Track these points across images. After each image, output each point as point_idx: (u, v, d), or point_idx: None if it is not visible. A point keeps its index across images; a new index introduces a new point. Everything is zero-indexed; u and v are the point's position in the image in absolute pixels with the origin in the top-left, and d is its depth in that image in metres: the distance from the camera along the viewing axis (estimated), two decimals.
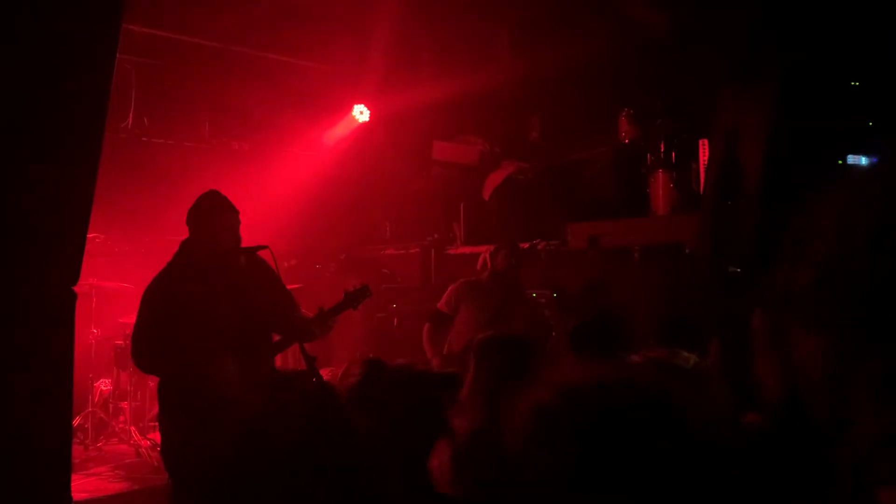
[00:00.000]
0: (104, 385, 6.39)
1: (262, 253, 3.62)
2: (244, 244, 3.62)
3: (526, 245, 5.10)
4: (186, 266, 3.60)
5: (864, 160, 5.01)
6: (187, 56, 7.17)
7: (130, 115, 6.97)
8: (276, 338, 3.81)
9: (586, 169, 6.81)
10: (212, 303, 3.55)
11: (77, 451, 5.58)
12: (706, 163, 5.65)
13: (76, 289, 3.08)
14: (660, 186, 5.94)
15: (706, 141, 5.71)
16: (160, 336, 3.49)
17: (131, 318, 4.35)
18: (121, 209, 6.10)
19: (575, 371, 1.26)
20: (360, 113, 8.10)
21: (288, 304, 3.72)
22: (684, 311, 3.88)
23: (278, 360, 6.24)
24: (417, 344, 5.05)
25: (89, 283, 5.88)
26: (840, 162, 5.06)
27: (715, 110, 5.43)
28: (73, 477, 3.66)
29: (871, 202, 0.86)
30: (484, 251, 5.13)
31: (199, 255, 3.59)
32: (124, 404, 6.22)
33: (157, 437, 5.48)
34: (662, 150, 6.08)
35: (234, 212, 3.60)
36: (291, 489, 1.16)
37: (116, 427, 6.22)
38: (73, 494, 3.33)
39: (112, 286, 6.18)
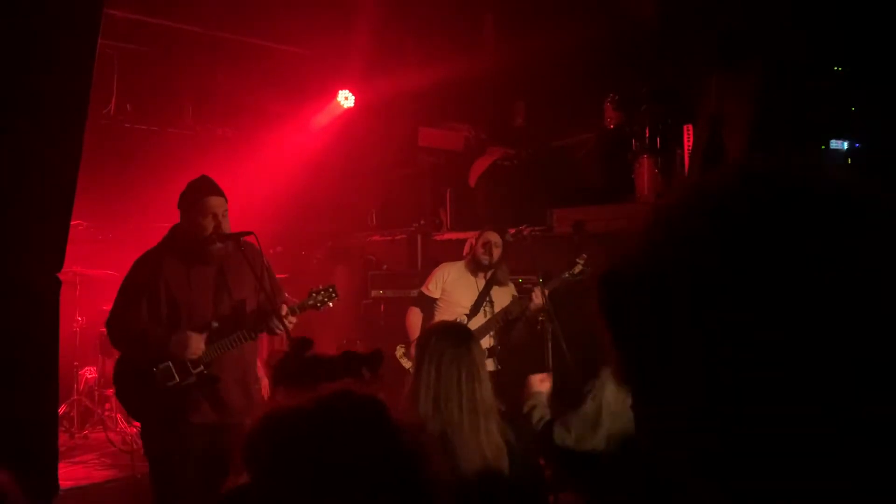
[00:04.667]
0: (89, 373, 6.38)
1: (247, 239, 3.61)
2: (230, 230, 3.62)
3: (512, 231, 5.11)
4: (169, 249, 3.62)
5: (845, 146, 5.06)
6: (170, 42, 7.10)
7: (113, 101, 6.90)
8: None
9: (572, 154, 6.82)
10: (188, 287, 3.55)
11: (63, 439, 5.57)
12: (691, 148, 5.67)
13: (60, 276, 3.06)
14: (645, 172, 5.96)
15: (691, 126, 5.73)
16: (136, 312, 3.50)
17: None
18: (104, 196, 6.06)
19: None
20: (345, 99, 8.07)
21: (273, 293, 3.70)
22: None
23: (265, 349, 6.28)
24: (404, 330, 5.06)
25: (73, 270, 5.85)
26: (823, 147, 5.10)
27: (700, 96, 5.45)
28: (60, 465, 3.65)
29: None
30: (470, 237, 5.14)
31: (182, 238, 3.61)
32: (110, 392, 6.20)
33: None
34: (647, 135, 6.10)
35: (220, 197, 3.59)
36: None
37: (102, 415, 6.21)
38: (59, 482, 3.32)
39: (96, 274, 6.15)
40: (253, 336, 3.66)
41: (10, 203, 2.45)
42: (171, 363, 3.46)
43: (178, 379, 3.46)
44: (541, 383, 2.91)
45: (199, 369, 3.49)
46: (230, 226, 3.62)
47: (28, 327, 2.59)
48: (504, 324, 4.83)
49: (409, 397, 2.56)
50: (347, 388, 1.43)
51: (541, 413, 2.77)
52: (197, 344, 3.47)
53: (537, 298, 4.69)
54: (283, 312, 3.60)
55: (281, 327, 3.52)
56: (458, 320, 4.79)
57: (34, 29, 2.41)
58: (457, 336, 2.65)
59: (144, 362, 3.48)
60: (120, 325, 3.58)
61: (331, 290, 3.88)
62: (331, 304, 3.88)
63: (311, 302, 3.84)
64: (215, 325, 3.56)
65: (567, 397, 2.87)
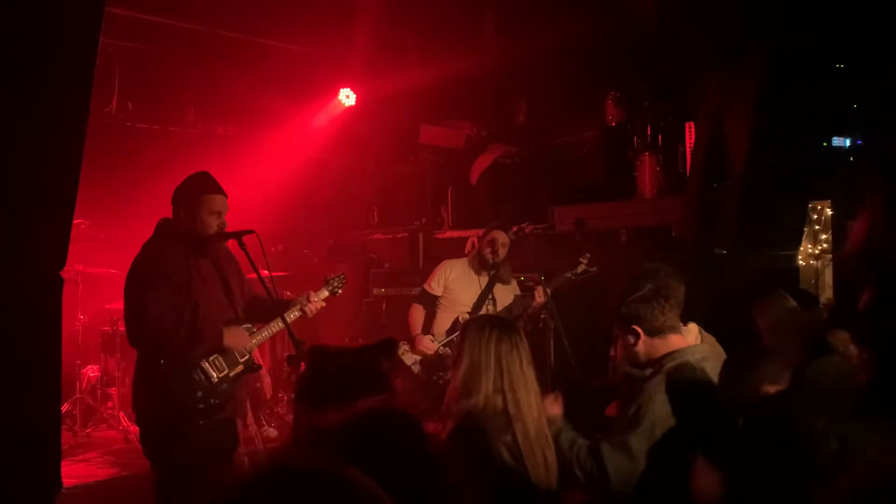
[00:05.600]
0: (92, 371, 6.39)
1: (248, 237, 3.59)
2: (230, 229, 3.62)
3: (514, 228, 5.11)
4: (170, 244, 3.53)
5: (847, 143, 5.05)
6: (172, 40, 7.09)
7: (114, 99, 6.90)
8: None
9: (573, 152, 6.82)
10: (201, 281, 3.54)
11: (66, 437, 5.58)
12: (692, 146, 5.67)
13: (62, 275, 3.06)
14: (646, 169, 5.97)
15: (692, 124, 5.73)
16: (170, 312, 3.41)
17: (118, 304, 4.33)
18: (106, 194, 6.05)
19: None
20: (347, 97, 8.06)
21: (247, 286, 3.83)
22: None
23: (267, 346, 6.29)
24: (405, 327, 5.07)
25: (75, 269, 5.85)
26: (825, 144, 5.10)
27: (701, 93, 5.44)
28: (63, 463, 3.65)
29: None
30: (472, 235, 5.14)
31: (184, 234, 3.55)
32: (112, 390, 6.22)
33: None
34: (649, 133, 6.10)
35: (223, 195, 3.59)
36: None
37: (105, 413, 6.22)
38: (62, 480, 3.33)
39: (98, 272, 6.15)
40: (290, 319, 3.68)
41: (12, 201, 2.46)
42: (218, 356, 3.49)
43: (227, 370, 3.51)
44: (552, 406, 2.73)
45: (245, 357, 3.58)
46: (227, 224, 3.64)
47: (31, 325, 2.59)
48: None
49: (463, 384, 2.60)
50: (384, 405, 1.50)
51: (569, 437, 2.62)
52: (246, 335, 3.59)
53: (539, 296, 4.69)
54: (313, 298, 3.82)
55: (318, 303, 3.80)
56: (461, 318, 4.79)
57: (36, 27, 2.42)
58: (508, 325, 2.76)
59: (180, 362, 3.41)
60: (162, 326, 3.39)
61: (342, 276, 4.09)
62: (340, 291, 4.07)
63: (329, 288, 3.99)
64: (240, 315, 3.64)
65: (570, 396, 2.87)
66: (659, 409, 2.49)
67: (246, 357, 3.59)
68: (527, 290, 4.91)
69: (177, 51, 7.18)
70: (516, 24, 7.32)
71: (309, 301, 3.80)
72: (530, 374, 2.61)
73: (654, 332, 2.65)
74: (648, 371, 2.65)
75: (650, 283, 2.67)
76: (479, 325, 2.72)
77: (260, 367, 3.66)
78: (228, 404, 3.54)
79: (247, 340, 3.58)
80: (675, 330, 2.68)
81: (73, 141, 2.58)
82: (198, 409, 3.44)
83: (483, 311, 4.82)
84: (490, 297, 4.86)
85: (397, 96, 7.70)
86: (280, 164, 7.67)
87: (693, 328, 3.19)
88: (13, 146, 2.43)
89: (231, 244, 3.71)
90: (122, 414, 6.04)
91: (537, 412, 2.58)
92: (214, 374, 3.47)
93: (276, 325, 3.67)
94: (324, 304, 3.88)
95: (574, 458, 2.57)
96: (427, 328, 4.96)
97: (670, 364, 2.59)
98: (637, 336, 2.65)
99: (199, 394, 3.44)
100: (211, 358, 3.48)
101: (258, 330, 3.68)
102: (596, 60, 6.50)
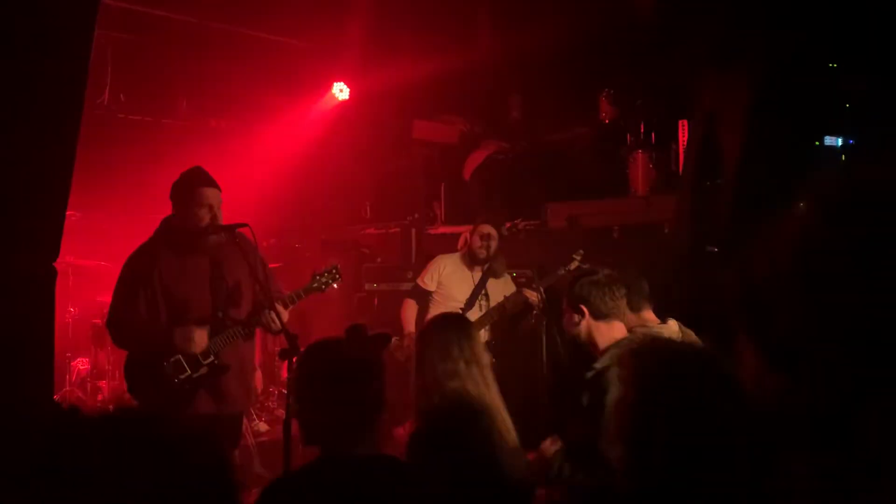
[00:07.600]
0: (82, 364, 6.36)
1: (241, 231, 3.60)
2: (223, 222, 3.61)
3: (507, 224, 5.13)
4: (164, 241, 3.60)
5: (839, 142, 5.07)
6: (165, 32, 7.05)
7: (106, 91, 6.86)
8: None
9: (566, 149, 6.83)
10: (184, 279, 3.54)
11: None
12: (685, 144, 5.68)
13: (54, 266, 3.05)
14: (639, 167, 5.97)
15: (685, 122, 5.74)
16: (136, 309, 3.49)
17: (108, 297, 4.32)
18: (97, 187, 6.02)
19: None
20: (340, 91, 8.04)
21: (267, 284, 3.69)
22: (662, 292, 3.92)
23: (258, 340, 6.27)
24: (397, 323, 5.06)
25: (66, 261, 5.83)
26: (817, 143, 5.12)
27: (694, 91, 5.45)
28: None
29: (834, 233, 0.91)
30: (465, 231, 5.14)
31: (176, 230, 3.59)
32: (102, 383, 6.20)
33: None
34: (642, 130, 6.11)
35: (215, 188, 3.58)
36: None
37: (95, 406, 6.19)
38: None
39: (89, 264, 6.13)
40: (249, 332, 3.65)
41: (6, 193, 2.44)
42: (181, 356, 3.46)
43: (189, 371, 3.46)
44: (553, 444, 2.78)
45: (209, 360, 3.51)
46: (223, 217, 3.62)
47: (24, 318, 2.58)
48: (500, 318, 4.84)
49: (418, 385, 2.68)
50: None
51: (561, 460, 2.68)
52: (200, 337, 3.49)
53: (531, 293, 4.70)
54: (279, 308, 3.55)
55: (276, 322, 3.50)
56: None
57: (30, 19, 2.40)
58: (449, 319, 2.90)
59: (152, 357, 3.46)
60: (121, 323, 3.55)
61: (334, 271, 3.83)
62: (335, 286, 3.83)
63: (315, 285, 3.82)
64: (220, 314, 3.58)
65: (562, 391, 2.90)
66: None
67: (210, 359, 3.51)
68: (519, 286, 4.91)
69: (170, 43, 7.14)
70: (510, 20, 7.31)
71: (271, 317, 3.50)
72: (470, 347, 2.67)
73: (599, 315, 2.73)
74: (601, 362, 2.69)
75: (606, 270, 2.82)
76: (428, 327, 2.84)
77: (227, 369, 3.58)
78: (196, 402, 3.50)
79: (194, 344, 3.44)
80: (620, 318, 2.78)
81: (67, 132, 2.56)
82: (166, 404, 3.44)
83: (476, 307, 4.83)
84: (483, 292, 4.86)
85: (391, 91, 7.69)
86: (273, 158, 7.64)
87: (672, 324, 3.21)
88: (7, 137, 2.42)
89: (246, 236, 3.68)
90: (112, 407, 6.01)
91: (487, 387, 2.65)
92: (174, 377, 3.45)
93: (233, 335, 3.56)
94: (276, 325, 3.51)
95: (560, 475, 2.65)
96: (420, 323, 4.96)
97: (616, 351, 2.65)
98: (582, 315, 2.73)
99: (159, 393, 3.45)
100: (172, 359, 3.45)
101: (221, 335, 3.56)
102: (590, 57, 6.51)
